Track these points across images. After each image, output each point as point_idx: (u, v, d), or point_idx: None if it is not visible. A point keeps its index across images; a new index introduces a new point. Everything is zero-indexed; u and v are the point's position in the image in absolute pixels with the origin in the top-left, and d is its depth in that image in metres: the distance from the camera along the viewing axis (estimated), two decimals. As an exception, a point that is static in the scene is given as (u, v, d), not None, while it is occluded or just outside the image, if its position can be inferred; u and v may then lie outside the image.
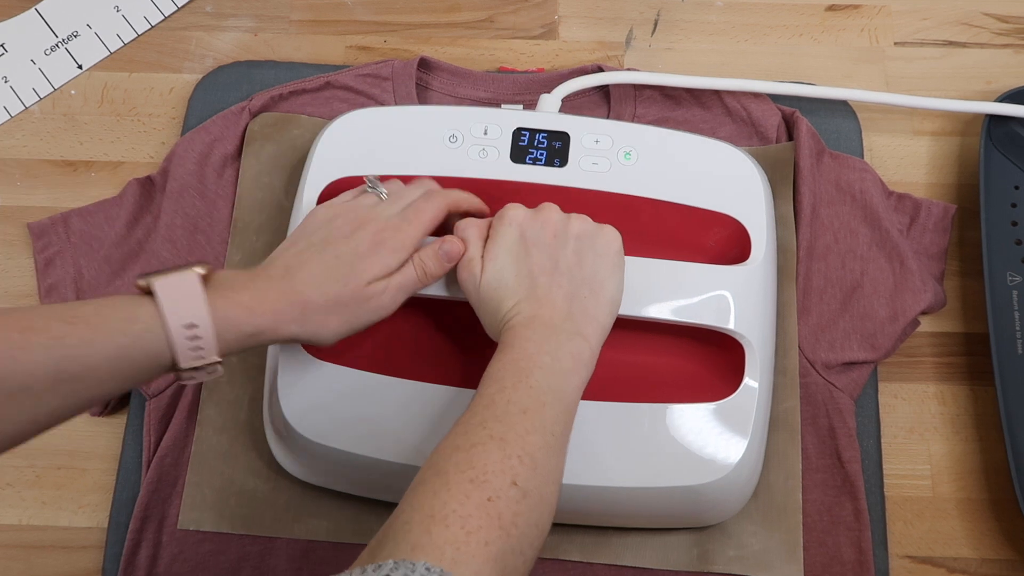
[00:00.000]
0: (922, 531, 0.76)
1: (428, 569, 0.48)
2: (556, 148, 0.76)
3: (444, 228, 0.70)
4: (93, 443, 0.80)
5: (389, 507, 0.73)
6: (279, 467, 0.75)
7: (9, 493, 0.79)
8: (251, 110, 0.85)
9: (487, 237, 0.68)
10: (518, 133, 0.76)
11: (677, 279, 0.71)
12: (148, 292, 0.58)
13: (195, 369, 0.59)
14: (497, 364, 0.61)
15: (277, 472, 0.75)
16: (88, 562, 0.77)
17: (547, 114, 0.78)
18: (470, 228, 0.69)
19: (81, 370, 0.55)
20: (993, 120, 0.83)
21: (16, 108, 0.90)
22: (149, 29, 0.93)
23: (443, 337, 0.73)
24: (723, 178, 0.75)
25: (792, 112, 0.84)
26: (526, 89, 0.87)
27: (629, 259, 0.69)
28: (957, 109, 0.85)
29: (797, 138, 0.82)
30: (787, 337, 0.76)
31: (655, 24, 0.92)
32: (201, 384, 0.77)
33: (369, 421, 0.70)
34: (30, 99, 0.90)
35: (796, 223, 0.80)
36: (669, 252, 0.72)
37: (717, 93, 0.86)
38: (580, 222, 0.68)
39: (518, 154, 0.76)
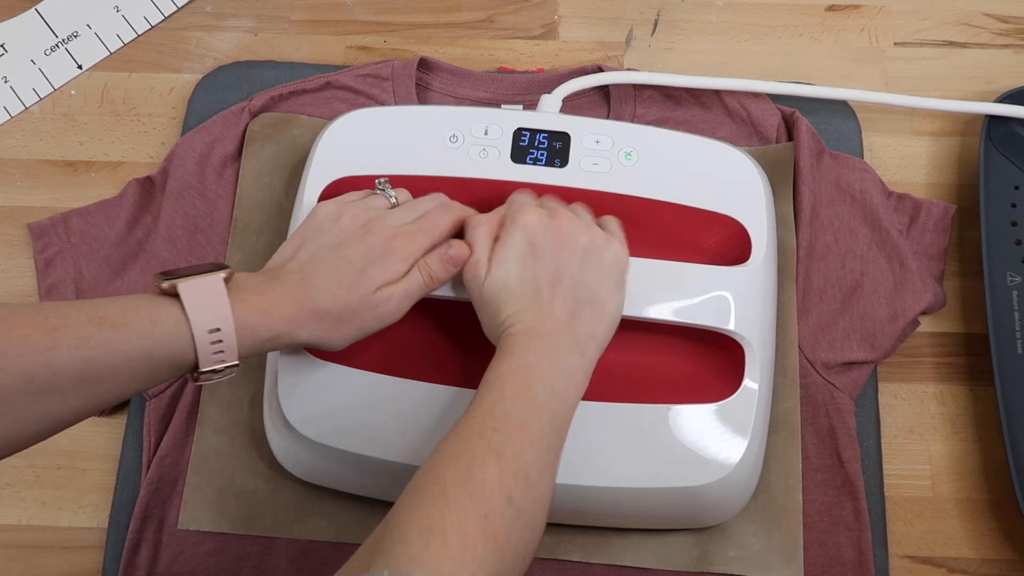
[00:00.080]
0: (922, 531, 0.76)
1: None
2: (557, 148, 0.76)
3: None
4: (93, 443, 0.80)
5: (389, 507, 0.73)
6: (279, 467, 0.75)
7: (9, 493, 0.79)
8: (251, 110, 0.85)
9: (496, 237, 0.68)
10: (519, 133, 0.76)
11: (677, 280, 0.71)
12: (172, 294, 0.59)
13: (212, 372, 0.60)
14: (496, 371, 0.61)
15: (277, 472, 0.75)
16: (88, 562, 0.77)
17: (548, 114, 0.78)
18: (480, 228, 0.69)
19: (105, 371, 0.56)
20: (993, 120, 0.83)
21: (16, 108, 0.90)
22: (149, 29, 0.93)
23: (444, 337, 0.73)
24: (724, 179, 0.75)
25: (792, 112, 0.84)
26: (526, 89, 0.87)
27: (630, 259, 0.69)
28: (957, 109, 0.85)
29: (797, 138, 0.82)
30: (787, 337, 0.76)
31: (655, 24, 0.92)
32: (202, 384, 0.77)
33: (370, 421, 0.70)
34: (30, 99, 0.90)
35: (796, 223, 0.80)
36: (669, 253, 0.72)
37: (717, 93, 0.86)
38: (589, 234, 0.67)
39: (519, 154, 0.76)
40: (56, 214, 0.84)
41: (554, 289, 0.65)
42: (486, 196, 0.74)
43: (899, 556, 0.76)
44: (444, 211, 0.70)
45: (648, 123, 0.84)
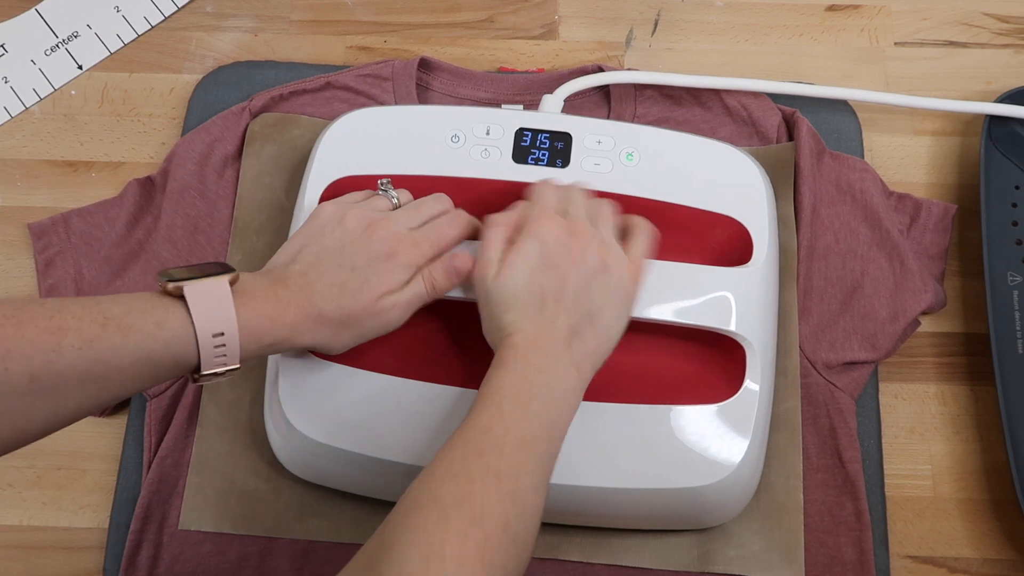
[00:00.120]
0: (923, 531, 0.76)
1: None
2: (558, 149, 0.76)
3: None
4: (94, 444, 0.80)
5: (390, 506, 0.73)
6: (280, 467, 0.75)
7: (10, 493, 0.79)
8: (251, 110, 0.85)
9: (511, 240, 0.67)
10: (520, 133, 0.76)
11: (679, 280, 0.71)
12: (177, 295, 0.59)
13: (213, 374, 0.60)
14: (495, 383, 0.61)
15: (278, 472, 0.75)
16: (89, 563, 0.77)
17: (549, 114, 0.78)
18: (496, 228, 0.68)
19: (109, 372, 0.56)
20: (993, 120, 0.83)
21: (16, 108, 0.90)
22: (149, 29, 0.93)
23: (445, 337, 0.73)
24: (725, 180, 0.75)
25: (792, 112, 0.84)
26: (526, 89, 0.87)
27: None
28: (957, 109, 0.85)
29: (797, 138, 0.82)
30: (788, 337, 0.76)
31: (655, 24, 0.92)
32: (202, 385, 0.77)
33: (370, 420, 0.70)
34: (30, 99, 0.90)
35: (796, 223, 0.80)
36: (671, 253, 0.72)
37: (718, 93, 0.86)
38: (602, 252, 0.66)
39: (520, 154, 0.76)
40: (56, 214, 0.84)
41: (559, 304, 0.64)
42: (488, 196, 0.74)
43: (900, 556, 0.76)
44: (451, 222, 0.70)
45: (649, 123, 0.84)
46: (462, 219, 0.71)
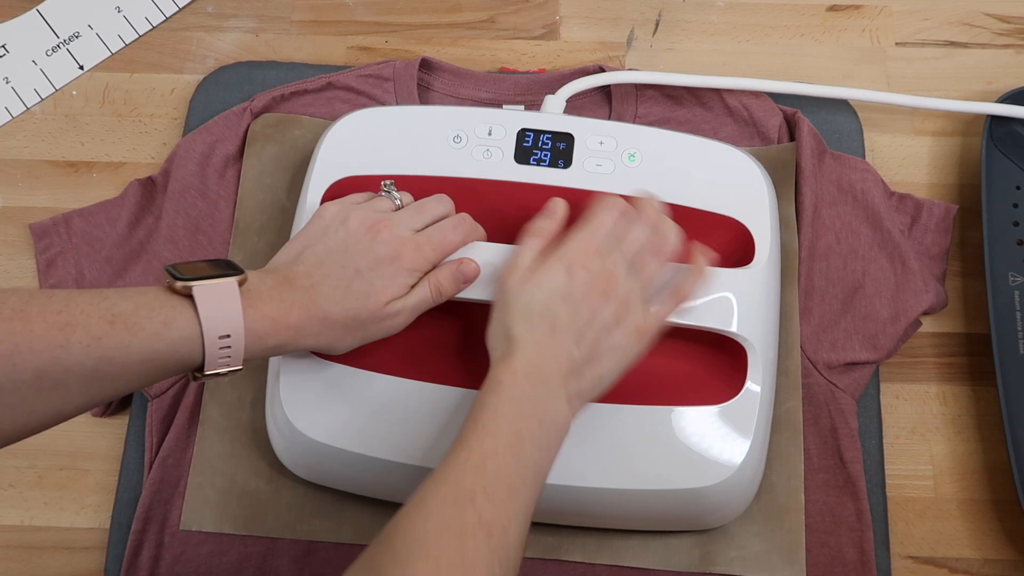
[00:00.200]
0: (924, 531, 0.76)
1: None
2: (560, 149, 0.76)
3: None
4: (95, 444, 0.80)
5: (391, 507, 0.73)
6: (281, 467, 0.75)
7: (11, 494, 0.79)
8: (252, 111, 0.85)
9: (546, 252, 0.67)
10: (522, 134, 0.76)
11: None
12: (185, 294, 0.59)
13: (215, 374, 0.60)
14: (489, 412, 0.60)
15: (279, 473, 0.75)
16: (90, 563, 0.77)
17: (551, 115, 0.78)
18: (534, 239, 0.68)
19: (115, 369, 0.56)
20: (994, 120, 0.83)
21: (17, 109, 0.90)
22: (150, 30, 0.93)
23: (446, 338, 0.73)
24: (728, 181, 0.75)
25: (794, 112, 0.84)
26: (527, 90, 0.87)
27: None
28: (958, 109, 0.85)
29: (799, 138, 0.82)
30: (789, 337, 0.76)
31: (656, 24, 0.92)
32: (203, 385, 0.78)
33: (371, 421, 0.70)
34: (31, 100, 0.90)
35: (798, 223, 0.80)
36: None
37: (719, 93, 0.86)
38: (621, 307, 0.65)
39: (522, 155, 0.76)
40: (57, 215, 0.84)
41: (567, 336, 0.63)
42: (490, 197, 0.74)
43: (901, 556, 0.76)
44: (455, 227, 0.70)
45: (650, 123, 0.84)
46: (466, 224, 0.71)
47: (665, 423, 0.69)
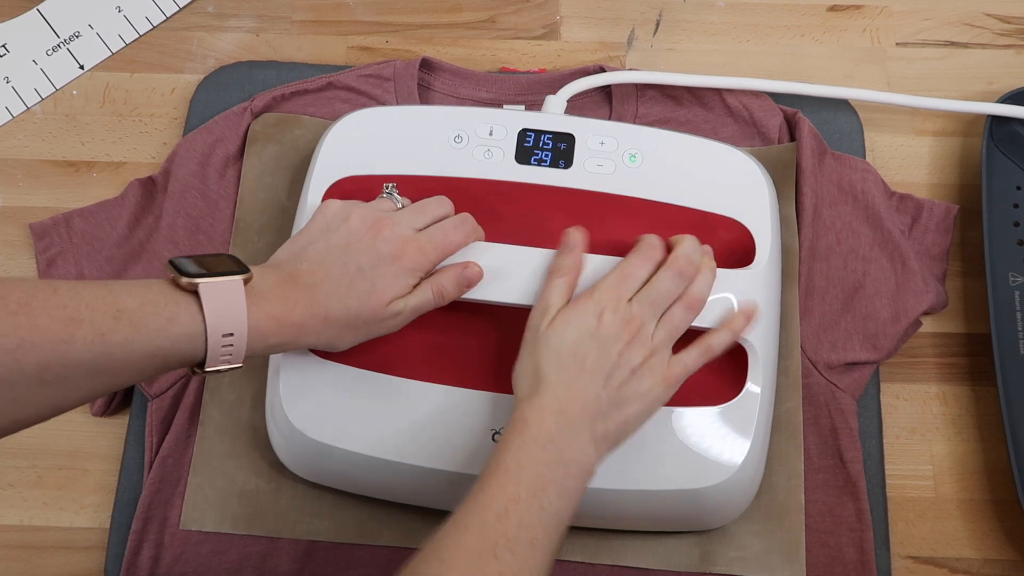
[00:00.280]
0: (924, 531, 0.76)
1: None
2: (561, 150, 0.76)
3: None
4: (95, 444, 0.80)
5: (391, 507, 0.73)
6: (281, 467, 0.75)
7: (11, 493, 0.79)
8: (253, 110, 0.85)
9: (572, 288, 0.67)
10: (523, 134, 0.76)
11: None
12: (190, 290, 0.59)
13: (215, 370, 0.61)
14: (513, 451, 0.59)
15: (279, 472, 0.75)
16: (90, 563, 0.77)
17: (552, 115, 0.78)
18: (561, 278, 0.67)
19: (117, 365, 0.56)
20: (995, 120, 0.83)
21: (18, 108, 0.90)
22: (151, 29, 0.93)
23: (446, 338, 0.73)
24: (729, 182, 0.75)
25: (794, 112, 0.84)
26: (528, 90, 0.87)
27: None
28: (959, 109, 0.85)
29: (799, 138, 0.82)
30: (789, 337, 0.76)
31: (657, 24, 0.92)
32: (203, 385, 0.78)
33: (372, 420, 0.70)
34: (32, 99, 0.90)
35: (798, 224, 0.80)
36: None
37: (719, 93, 0.86)
38: (647, 353, 0.65)
39: (523, 155, 0.76)
40: (58, 214, 0.84)
41: (595, 377, 0.63)
42: (490, 197, 0.74)
43: (901, 556, 0.76)
44: (456, 227, 0.70)
45: (650, 123, 0.84)
46: (467, 224, 0.70)
47: (665, 423, 0.69)
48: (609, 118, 0.86)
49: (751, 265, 0.72)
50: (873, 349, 0.78)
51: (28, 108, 0.90)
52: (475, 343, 0.71)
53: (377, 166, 0.76)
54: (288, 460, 0.74)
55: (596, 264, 0.69)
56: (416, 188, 0.74)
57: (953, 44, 0.91)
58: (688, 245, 0.69)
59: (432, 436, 0.69)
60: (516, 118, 0.77)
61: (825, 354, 0.77)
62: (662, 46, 0.91)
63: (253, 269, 0.62)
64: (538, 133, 0.76)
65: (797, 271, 0.78)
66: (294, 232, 0.75)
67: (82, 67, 0.91)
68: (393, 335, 0.69)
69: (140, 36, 0.92)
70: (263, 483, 0.75)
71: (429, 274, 0.69)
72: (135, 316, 0.56)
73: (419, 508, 0.74)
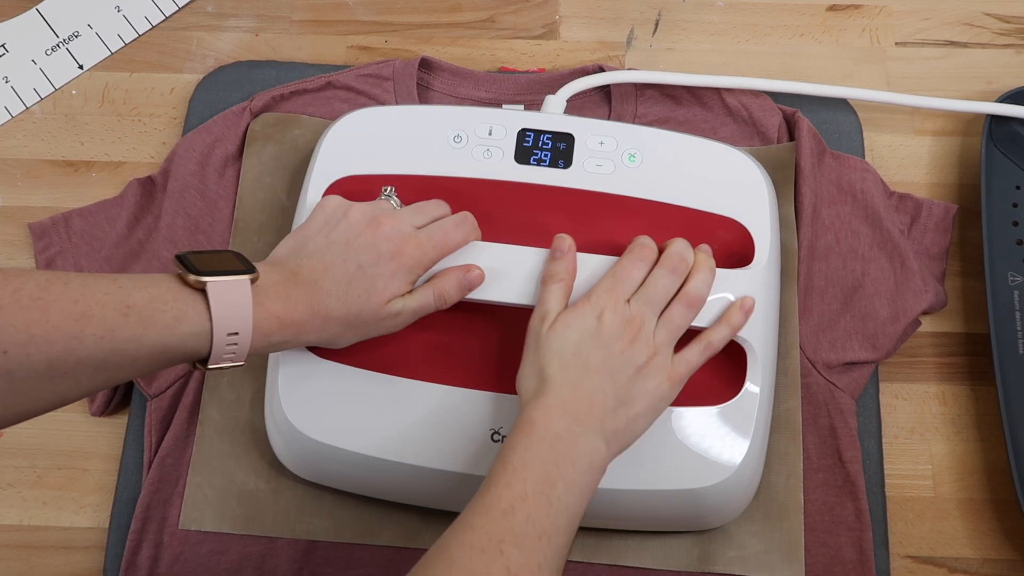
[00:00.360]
0: (923, 531, 0.76)
1: None
2: (560, 149, 0.76)
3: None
4: (94, 443, 0.80)
5: (391, 507, 0.73)
6: (281, 467, 0.75)
7: (10, 493, 0.79)
8: (252, 110, 0.85)
9: (568, 293, 0.67)
10: (523, 134, 0.76)
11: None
12: (198, 288, 0.59)
13: (216, 367, 0.61)
14: (519, 455, 0.59)
15: (279, 472, 0.75)
16: (89, 563, 0.77)
17: (552, 115, 0.78)
18: (557, 284, 0.67)
19: (124, 360, 0.57)
20: (994, 120, 0.83)
21: (17, 108, 0.90)
22: (150, 29, 0.93)
23: (446, 338, 0.73)
24: (728, 182, 0.75)
25: (793, 112, 0.84)
26: (527, 89, 0.87)
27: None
28: (958, 109, 0.85)
29: (798, 138, 0.82)
30: (788, 337, 0.76)
31: (656, 24, 0.92)
32: (203, 384, 0.78)
33: (371, 420, 0.70)
34: (31, 99, 0.90)
35: (797, 223, 0.80)
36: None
37: (719, 93, 0.86)
38: (650, 351, 0.65)
39: (522, 155, 0.76)
40: (57, 214, 0.84)
41: (601, 377, 0.63)
42: (490, 197, 0.74)
43: (900, 556, 0.76)
44: (456, 225, 0.70)
45: (649, 123, 0.84)
46: (468, 223, 0.70)
47: (664, 423, 0.69)
48: (608, 118, 0.86)
49: (750, 265, 0.72)
50: (872, 349, 0.78)
51: (27, 108, 0.90)
52: (474, 343, 0.71)
53: (376, 166, 0.76)
54: (287, 460, 0.74)
55: (594, 264, 0.69)
56: (415, 188, 0.74)
57: (952, 44, 0.91)
58: (679, 243, 0.69)
59: (432, 436, 0.69)
60: (515, 118, 0.77)
61: (824, 354, 0.77)
62: (661, 46, 0.91)
63: (260, 267, 0.63)
64: (537, 133, 0.76)
65: (796, 271, 0.78)
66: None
67: (81, 67, 0.91)
68: (392, 335, 0.69)
69: (139, 36, 0.92)
70: (262, 483, 0.75)
71: (430, 276, 0.69)
72: (144, 313, 0.57)
73: (419, 508, 0.74)
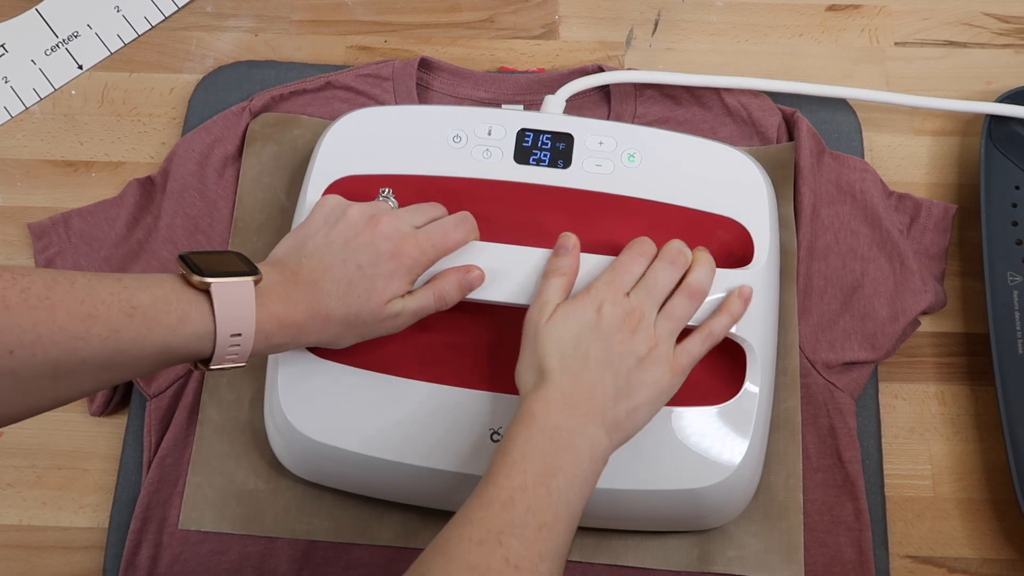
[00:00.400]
0: (923, 531, 0.76)
1: None
2: (560, 149, 0.76)
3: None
4: (94, 443, 0.80)
5: (391, 507, 0.73)
6: (280, 467, 0.75)
7: (10, 493, 0.79)
8: (252, 110, 0.85)
9: (568, 289, 0.67)
10: (522, 134, 0.76)
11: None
12: (202, 289, 0.59)
13: (220, 368, 0.61)
14: (519, 446, 0.59)
15: (278, 472, 0.75)
16: (89, 563, 0.77)
17: (551, 115, 0.78)
18: (558, 279, 0.67)
19: (127, 361, 0.57)
20: (994, 120, 0.83)
21: (16, 108, 0.90)
22: (149, 29, 0.93)
23: (446, 338, 0.73)
24: (727, 182, 0.75)
25: (793, 112, 0.84)
26: (527, 89, 0.87)
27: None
28: (958, 109, 0.85)
29: (797, 138, 0.82)
30: (788, 337, 0.76)
31: (656, 24, 0.92)
32: (202, 384, 0.78)
33: (371, 420, 0.70)
34: (30, 99, 0.90)
35: (796, 223, 0.80)
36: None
37: (718, 93, 0.86)
38: (651, 343, 0.65)
39: (522, 155, 0.76)
40: (56, 214, 0.84)
41: (601, 370, 0.63)
42: (489, 197, 0.74)
43: (900, 556, 0.76)
44: (456, 225, 0.70)
45: (649, 123, 0.84)
46: (467, 223, 0.70)
47: (664, 423, 0.69)
48: (608, 118, 0.86)
49: (750, 265, 0.72)
50: (871, 349, 0.78)
51: (27, 108, 0.90)
52: (474, 343, 0.71)
53: (376, 166, 0.76)
54: (287, 460, 0.74)
55: (593, 264, 0.69)
56: (415, 188, 0.74)
57: (952, 44, 0.91)
58: (677, 241, 0.69)
59: (431, 436, 0.69)
60: (515, 118, 0.77)
61: (823, 354, 0.77)
62: (661, 46, 0.91)
63: (260, 267, 0.63)
64: (537, 133, 0.76)
65: (796, 271, 0.78)
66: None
67: (81, 67, 0.91)
68: (392, 335, 0.69)
69: (139, 36, 0.92)
70: (262, 483, 0.75)
71: (430, 277, 0.69)
72: (148, 313, 0.57)
73: (419, 508, 0.74)
